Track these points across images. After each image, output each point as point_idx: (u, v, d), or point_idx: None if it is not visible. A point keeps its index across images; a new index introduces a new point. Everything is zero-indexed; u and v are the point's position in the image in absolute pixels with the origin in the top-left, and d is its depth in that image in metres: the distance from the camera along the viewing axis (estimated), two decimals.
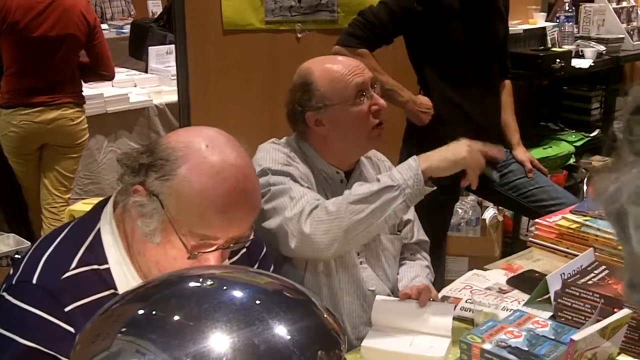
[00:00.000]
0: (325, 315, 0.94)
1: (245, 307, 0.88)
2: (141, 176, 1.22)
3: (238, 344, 0.81)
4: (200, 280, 0.93)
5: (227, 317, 0.84)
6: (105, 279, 1.27)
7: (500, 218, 3.72)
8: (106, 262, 1.27)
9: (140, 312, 0.91)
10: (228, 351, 0.80)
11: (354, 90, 1.82)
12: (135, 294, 0.94)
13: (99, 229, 1.30)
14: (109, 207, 1.32)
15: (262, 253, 1.57)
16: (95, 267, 1.27)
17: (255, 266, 1.53)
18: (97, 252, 1.28)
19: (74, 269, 1.25)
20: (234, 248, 1.27)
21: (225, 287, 0.92)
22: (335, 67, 1.85)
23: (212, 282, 0.91)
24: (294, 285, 1.01)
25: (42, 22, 3.39)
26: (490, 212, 3.66)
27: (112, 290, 1.26)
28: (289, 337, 0.85)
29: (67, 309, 1.22)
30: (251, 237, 1.30)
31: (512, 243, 3.77)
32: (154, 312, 0.90)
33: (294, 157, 1.84)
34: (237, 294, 0.91)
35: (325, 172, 1.88)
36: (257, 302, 0.90)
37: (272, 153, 1.82)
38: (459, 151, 1.72)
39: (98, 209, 1.34)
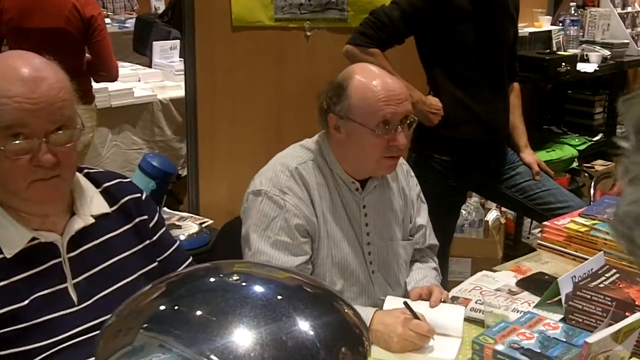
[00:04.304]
0: (346, 311, 0.94)
1: (272, 302, 0.88)
2: None
3: (266, 340, 0.81)
4: (223, 275, 0.93)
5: (254, 312, 0.84)
6: None
7: (503, 220, 3.72)
8: None
9: (163, 307, 0.91)
10: (256, 346, 0.80)
11: (380, 119, 1.76)
12: (158, 289, 0.94)
13: None
14: None
15: (155, 219, 1.60)
16: None
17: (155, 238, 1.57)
18: None
19: None
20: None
21: (249, 282, 0.92)
22: (376, 86, 1.77)
23: (237, 278, 0.91)
24: (314, 279, 1.01)
25: (32, 14, 3.30)
26: (493, 214, 3.66)
27: None
28: (313, 333, 0.85)
29: None
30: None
31: (514, 245, 3.77)
32: (177, 307, 0.90)
33: (304, 174, 1.81)
34: (262, 289, 0.91)
35: (342, 178, 1.86)
36: (281, 297, 0.90)
37: (279, 172, 1.81)
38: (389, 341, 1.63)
39: None
